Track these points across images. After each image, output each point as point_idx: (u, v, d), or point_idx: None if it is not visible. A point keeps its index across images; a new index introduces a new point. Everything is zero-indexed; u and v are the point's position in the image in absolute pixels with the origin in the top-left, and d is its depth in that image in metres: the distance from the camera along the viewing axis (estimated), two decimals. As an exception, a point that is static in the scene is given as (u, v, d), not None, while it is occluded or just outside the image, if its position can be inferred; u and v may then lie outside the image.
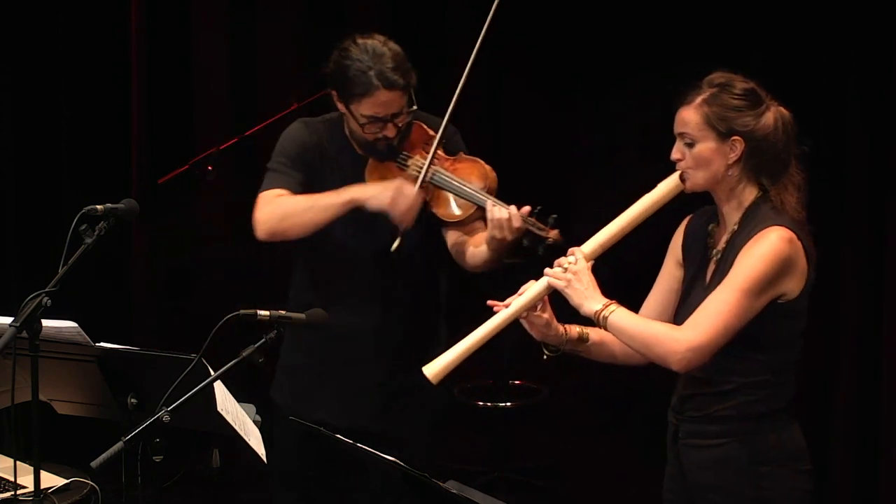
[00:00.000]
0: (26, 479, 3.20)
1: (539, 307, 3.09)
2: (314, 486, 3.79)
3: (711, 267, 3.08)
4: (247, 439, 3.27)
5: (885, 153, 4.67)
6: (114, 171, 5.83)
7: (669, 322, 3.11)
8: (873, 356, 4.73)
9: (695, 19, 5.59)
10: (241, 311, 3.21)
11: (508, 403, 5.69)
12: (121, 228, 3.30)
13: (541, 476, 5.76)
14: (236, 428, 3.22)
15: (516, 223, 3.34)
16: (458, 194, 3.50)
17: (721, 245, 3.07)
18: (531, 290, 3.08)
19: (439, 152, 3.57)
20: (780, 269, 2.93)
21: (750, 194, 3.03)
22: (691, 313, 3.02)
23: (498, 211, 3.37)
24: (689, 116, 3.00)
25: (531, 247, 3.33)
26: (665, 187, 3.09)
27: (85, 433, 3.77)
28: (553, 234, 3.33)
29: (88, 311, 4.01)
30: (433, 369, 3.11)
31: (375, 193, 3.51)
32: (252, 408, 3.81)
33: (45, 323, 3.04)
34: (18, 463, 3.17)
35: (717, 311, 2.91)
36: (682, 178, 3.06)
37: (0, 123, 5.67)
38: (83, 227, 3.10)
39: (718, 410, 3.02)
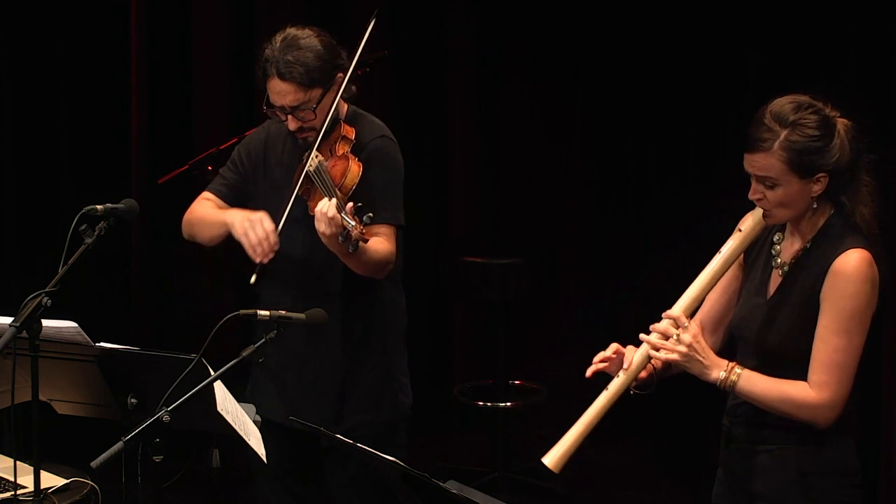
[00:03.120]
0: (26, 479, 3.20)
1: None
2: (289, 478, 3.79)
3: (775, 279, 3.06)
4: (247, 439, 3.27)
5: (885, 151, 4.67)
6: (114, 171, 5.83)
7: (722, 319, 3.14)
8: (873, 356, 4.72)
9: (693, 19, 5.59)
10: (241, 311, 3.22)
11: (508, 403, 5.68)
12: (121, 228, 3.30)
13: (541, 476, 5.76)
14: (236, 428, 3.21)
15: (330, 213, 3.33)
16: (320, 187, 3.50)
17: (788, 258, 3.05)
18: (635, 361, 3.03)
19: (340, 148, 3.57)
20: (871, 292, 2.94)
21: (824, 212, 3.01)
22: (747, 322, 3.04)
23: (321, 204, 3.37)
24: (770, 163, 2.92)
25: (344, 241, 3.32)
26: (748, 228, 3.05)
27: (85, 433, 3.77)
28: (356, 231, 3.31)
29: (88, 311, 4.01)
30: (553, 458, 3.05)
31: (236, 221, 3.56)
32: (252, 408, 3.81)
33: (45, 323, 3.04)
34: (18, 463, 3.17)
35: (837, 362, 2.92)
36: (764, 215, 3.01)
37: (0, 123, 5.67)
38: (83, 227, 3.10)
39: (769, 418, 3.01)
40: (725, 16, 5.39)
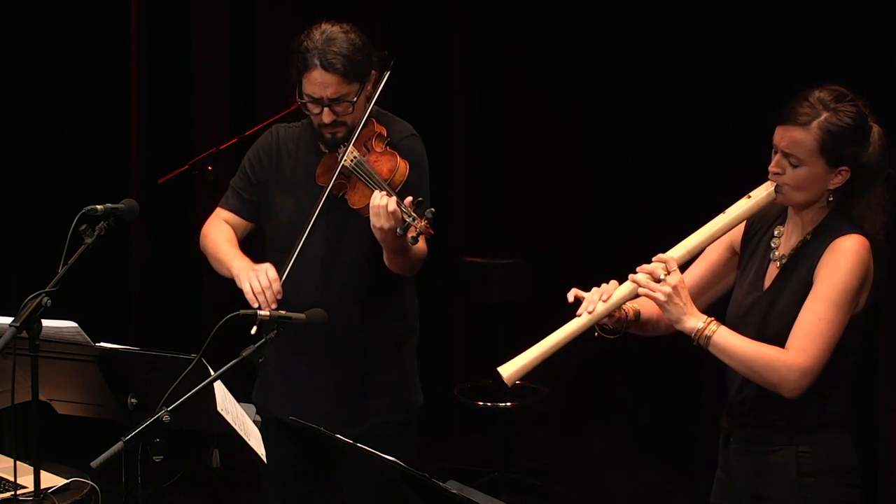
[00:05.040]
0: (26, 479, 3.20)
1: None
2: (299, 482, 3.79)
3: (772, 271, 3.07)
4: (247, 439, 3.27)
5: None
6: (114, 171, 5.83)
7: (703, 299, 3.14)
8: (871, 355, 4.73)
9: (693, 19, 5.59)
10: (241, 311, 3.21)
11: (508, 403, 5.69)
12: (121, 228, 3.30)
13: (541, 476, 5.76)
14: (236, 428, 3.21)
15: (391, 207, 3.32)
16: (364, 181, 3.49)
17: (787, 251, 3.06)
18: (616, 294, 3.03)
19: (377, 145, 3.57)
20: (864, 276, 2.94)
21: (828, 208, 3.02)
22: (744, 314, 3.05)
23: (377, 198, 3.36)
24: (803, 139, 2.94)
25: (402, 234, 3.31)
26: (758, 196, 3.04)
27: (85, 433, 3.77)
28: (421, 224, 3.30)
29: (88, 311, 4.01)
30: (508, 370, 3.04)
31: (241, 273, 3.53)
32: (252, 408, 3.81)
33: (45, 323, 3.04)
34: (18, 463, 3.17)
35: (820, 331, 2.91)
36: (776, 190, 3.01)
37: (0, 123, 5.68)
38: (83, 227, 3.10)
39: (768, 418, 3.01)
40: (725, 16, 5.39)
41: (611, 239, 6.13)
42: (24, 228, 5.70)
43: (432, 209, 3.33)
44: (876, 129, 3.00)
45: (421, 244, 3.53)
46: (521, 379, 3.14)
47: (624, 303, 3.06)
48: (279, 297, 3.46)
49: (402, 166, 3.52)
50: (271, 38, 6.02)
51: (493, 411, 5.70)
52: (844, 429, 3.04)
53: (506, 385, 3.08)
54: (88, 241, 3.10)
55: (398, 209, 3.32)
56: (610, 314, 3.07)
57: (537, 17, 6.24)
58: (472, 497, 2.72)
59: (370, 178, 3.46)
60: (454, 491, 2.73)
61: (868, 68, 4.79)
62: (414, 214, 3.30)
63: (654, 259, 3.03)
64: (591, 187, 6.29)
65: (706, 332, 2.96)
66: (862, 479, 3.07)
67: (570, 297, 3.09)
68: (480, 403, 5.76)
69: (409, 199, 3.33)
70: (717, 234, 3.06)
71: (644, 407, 6.12)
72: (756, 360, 2.94)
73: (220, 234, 3.73)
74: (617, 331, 3.13)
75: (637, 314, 3.15)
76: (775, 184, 3.00)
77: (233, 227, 3.77)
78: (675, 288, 2.97)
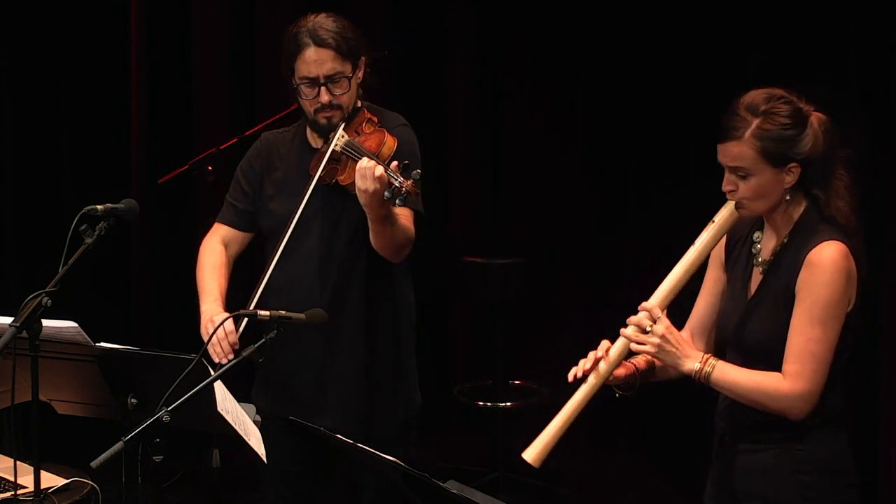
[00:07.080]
0: (26, 479, 3.20)
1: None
2: (299, 482, 3.78)
3: (756, 277, 3.06)
4: (247, 439, 3.27)
5: (885, 149, 4.67)
6: (114, 171, 5.83)
7: (711, 324, 3.15)
8: (871, 355, 4.73)
9: (693, 19, 5.59)
10: (241, 311, 3.21)
11: (508, 403, 5.69)
12: (121, 228, 3.30)
13: (541, 476, 5.76)
14: (236, 428, 3.21)
15: (377, 172, 3.32)
16: (353, 158, 3.49)
17: (767, 255, 3.05)
18: (613, 351, 3.05)
19: (367, 127, 3.58)
20: (846, 284, 2.94)
21: (800, 206, 3.01)
22: (730, 323, 3.05)
23: (363, 161, 3.37)
24: (743, 151, 2.93)
25: (391, 197, 3.31)
26: (721, 218, 3.04)
27: (85, 433, 3.77)
28: (407, 184, 3.30)
29: (88, 311, 4.01)
30: (532, 453, 3.05)
31: (203, 317, 3.55)
32: (252, 408, 3.81)
33: (45, 323, 3.04)
34: (18, 463, 3.17)
35: (812, 352, 2.92)
36: (737, 206, 3.02)
37: (0, 123, 5.68)
38: (83, 227, 3.10)
39: (763, 417, 3.00)
40: (725, 16, 5.38)
41: (611, 238, 6.12)
42: (24, 228, 5.70)
43: (418, 170, 3.33)
44: (815, 116, 2.98)
45: (408, 224, 3.53)
46: (522, 380, 3.15)
47: (622, 358, 3.07)
48: (236, 347, 3.44)
49: (391, 140, 3.54)
50: (271, 38, 5.99)
51: (493, 411, 5.70)
52: (840, 428, 3.04)
53: (535, 468, 3.07)
54: (88, 241, 3.11)
55: (385, 173, 3.32)
56: (617, 371, 3.08)
57: (537, 17, 6.24)
58: (472, 497, 2.73)
59: (359, 153, 3.47)
60: (454, 491, 2.74)
61: (868, 68, 4.79)
62: (400, 177, 3.31)
63: (639, 308, 3.03)
64: (591, 187, 6.29)
65: (705, 369, 2.98)
66: (860, 479, 3.07)
67: (571, 377, 3.11)
68: (480, 403, 5.76)
69: (396, 163, 3.35)
70: (693, 267, 3.06)
71: (645, 406, 6.11)
72: (757, 391, 2.96)
73: (208, 261, 3.73)
74: (632, 386, 3.14)
75: (651, 364, 3.15)
76: (734, 201, 3.00)
77: (229, 242, 3.77)
78: (662, 336, 2.98)
